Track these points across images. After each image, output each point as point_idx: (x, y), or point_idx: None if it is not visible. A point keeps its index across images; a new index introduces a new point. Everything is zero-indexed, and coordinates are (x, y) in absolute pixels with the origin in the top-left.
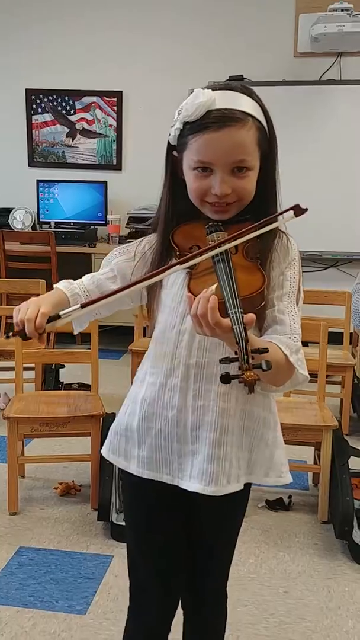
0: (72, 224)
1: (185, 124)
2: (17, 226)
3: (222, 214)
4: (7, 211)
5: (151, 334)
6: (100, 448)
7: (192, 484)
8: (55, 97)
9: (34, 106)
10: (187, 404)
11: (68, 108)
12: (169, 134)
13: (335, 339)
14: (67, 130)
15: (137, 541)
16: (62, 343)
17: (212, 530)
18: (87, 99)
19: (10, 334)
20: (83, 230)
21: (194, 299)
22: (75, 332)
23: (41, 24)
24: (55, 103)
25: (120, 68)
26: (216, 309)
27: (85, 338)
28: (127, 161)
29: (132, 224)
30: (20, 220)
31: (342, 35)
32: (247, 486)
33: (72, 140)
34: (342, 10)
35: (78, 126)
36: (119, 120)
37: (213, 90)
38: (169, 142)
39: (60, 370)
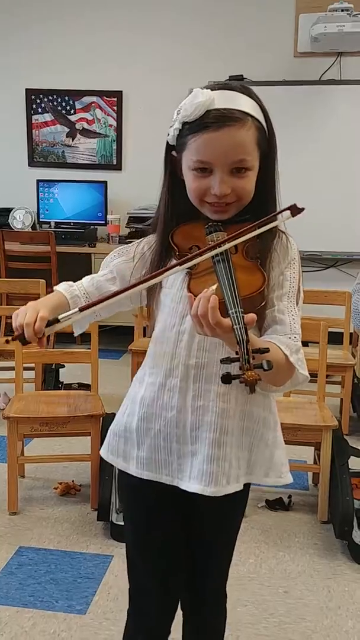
0: (72, 224)
1: (184, 124)
2: (17, 226)
3: (221, 214)
4: (7, 211)
5: (151, 334)
6: (100, 448)
7: (191, 485)
8: (55, 97)
9: (34, 106)
10: (187, 404)
11: (68, 108)
12: (168, 134)
13: (335, 339)
14: (67, 130)
15: (136, 542)
16: (62, 343)
17: (212, 530)
18: (87, 99)
19: (10, 338)
20: (83, 230)
21: (194, 298)
22: (76, 334)
23: (41, 24)
24: (55, 103)
25: (120, 68)
26: (217, 309)
27: (85, 338)
28: (127, 161)
29: (132, 224)
30: (20, 220)
31: (342, 35)
32: (247, 486)
33: (72, 140)
34: (342, 10)
35: (78, 126)
36: (119, 120)
37: (212, 90)
38: (167, 142)
39: (60, 370)
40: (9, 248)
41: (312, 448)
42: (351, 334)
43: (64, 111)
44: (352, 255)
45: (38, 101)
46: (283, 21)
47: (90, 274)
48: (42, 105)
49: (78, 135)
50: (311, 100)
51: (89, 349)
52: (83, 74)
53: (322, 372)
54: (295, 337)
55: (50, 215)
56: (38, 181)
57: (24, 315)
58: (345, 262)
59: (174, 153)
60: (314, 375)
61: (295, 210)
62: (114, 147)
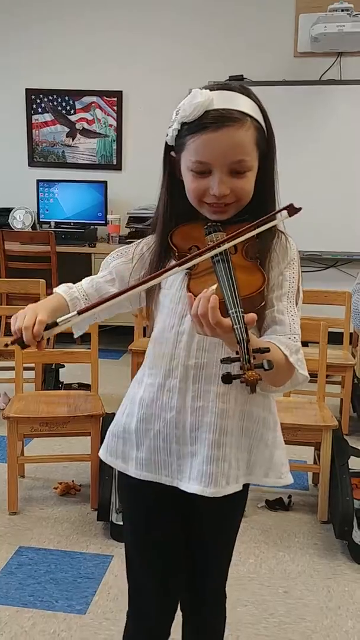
0: (72, 223)
1: (183, 124)
2: (17, 226)
3: (220, 215)
4: (7, 211)
5: (150, 334)
6: (100, 448)
7: (191, 486)
8: (55, 97)
9: (34, 106)
10: (186, 405)
11: (68, 108)
12: (167, 135)
13: (335, 339)
14: (67, 130)
15: (135, 543)
16: (62, 343)
17: (211, 530)
18: (87, 99)
19: (9, 342)
20: (83, 230)
21: (194, 298)
22: (76, 336)
23: (41, 24)
24: (55, 103)
25: (120, 68)
26: (217, 308)
27: (85, 338)
28: (127, 161)
29: (132, 224)
30: (20, 220)
31: (342, 35)
32: (246, 486)
33: (72, 140)
34: (342, 10)
35: (78, 126)
36: (119, 120)
37: (211, 90)
38: (166, 142)
39: (60, 370)
40: (9, 248)
41: (312, 448)
42: (351, 334)
43: (64, 111)
44: (352, 255)
45: (38, 101)
46: (283, 21)
47: (90, 273)
48: (42, 105)
49: (78, 135)
50: (311, 100)
51: (89, 349)
52: (83, 74)
53: (322, 372)
54: (294, 338)
55: (50, 215)
56: (38, 181)
57: (22, 319)
58: (345, 262)
59: (172, 153)
60: (314, 375)
61: (292, 210)
62: (114, 147)
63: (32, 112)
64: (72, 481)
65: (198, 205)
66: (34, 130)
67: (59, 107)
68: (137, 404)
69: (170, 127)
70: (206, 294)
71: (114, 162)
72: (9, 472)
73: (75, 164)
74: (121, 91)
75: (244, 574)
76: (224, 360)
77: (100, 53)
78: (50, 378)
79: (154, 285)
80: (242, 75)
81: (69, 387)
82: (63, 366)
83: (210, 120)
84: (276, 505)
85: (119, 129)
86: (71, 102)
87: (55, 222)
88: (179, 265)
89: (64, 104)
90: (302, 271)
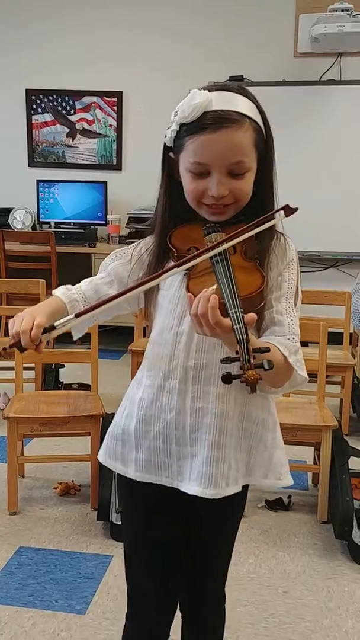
0: (72, 224)
1: (181, 125)
2: (17, 226)
3: (219, 216)
4: (7, 211)
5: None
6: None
7: (191, 487)
8: (55, 97)
9: (34, 106)
10: (186, 406)
11: (68, 108)
12: (165, 136)
13: (335, 339)
14: (67, 130)
15: (135, 543)
16: (62, 343)
17: (211, 531)
18: (87, 99)
19: (8, 346)
20: (83, 230)
21: (194, 298)
22: (75, 338)
23: (41, 24)
24: (55, 103)
25: (120, 68)
26: (217, 308)
27: (85, 338)
28: (127, 161)
29: (132, 224)
30: (20, 220)
31: (342, 35)
32: (245, 487)
33: (72, 140)
34: (342, 11)
35: (78, 126)
36: (119, 120)
37: (210, 91)
38: (165, 143)
39: (60, 370)
40: (9, 248)
41: (312, 448)
42: (351, 334)
43: (64, 111)
44: (352, 255)
45: (38, 101)
46: (283, 21)
47: (90, 274)
48: (42, 105)
49: (78, 136)
50: (311, 100)
51: (89, 349)
52: (83, 74)
53: (322, 372)
54: (293, 338)
55: (50, 215)
56: (38, 181)
57: (20, 322)
58: (345, 262)
59: (171, 154)
60: (313, 376)
61: (288, 210)
62: (114, 147)
63: (32, 112)
64: (72, 481)
65: (197, 206)
66: (34, 131)
67: (59, 107)
68: (137, 405)
69: (168, 128)
70: (206, 294)
71: (114, 163)
72: (9, 472)
73: (75, 164)
74: (121, 91)
75: (243, 574)
76: (224, 360)
77: (100, 53)
78: (50, 378)
79: (152, 287)
80: (242, 76)
81: (69, 387)
82: (63, 366)
83: (209, 122)
84: (276, 505)
85: (119, 129)
86: (71, 102)
87: (55, 222)
88: (178, 266)
89: (64, 104)
90: (302, 271)
